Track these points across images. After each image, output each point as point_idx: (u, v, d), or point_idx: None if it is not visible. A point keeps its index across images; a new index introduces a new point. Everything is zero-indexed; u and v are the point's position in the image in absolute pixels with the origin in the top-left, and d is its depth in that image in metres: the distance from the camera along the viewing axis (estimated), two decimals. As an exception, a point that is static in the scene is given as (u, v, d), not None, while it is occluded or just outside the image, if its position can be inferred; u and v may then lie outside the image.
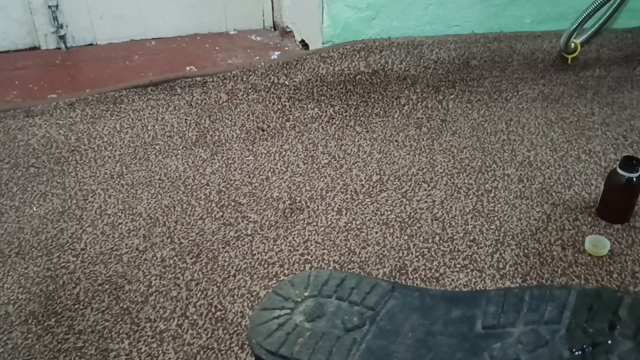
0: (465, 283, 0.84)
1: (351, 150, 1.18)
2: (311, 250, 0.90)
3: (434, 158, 1.15)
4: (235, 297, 0.81)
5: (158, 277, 0.84)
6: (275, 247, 0.90)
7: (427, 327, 0.57)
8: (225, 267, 0.86)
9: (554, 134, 1.26)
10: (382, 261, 0.87)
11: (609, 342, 0.53)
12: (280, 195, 1.03)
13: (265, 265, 0.86)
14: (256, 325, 0.62)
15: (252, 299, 0.80)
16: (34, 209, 0.99)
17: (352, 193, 1.04)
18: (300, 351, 0.58)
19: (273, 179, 1.08)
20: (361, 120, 1.28)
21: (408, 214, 0.98)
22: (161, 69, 1.41)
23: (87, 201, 1.01)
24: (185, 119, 1.23)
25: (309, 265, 0.87)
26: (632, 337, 0.54)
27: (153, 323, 0.77)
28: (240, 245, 0.91)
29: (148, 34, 1.60)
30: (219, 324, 0.76)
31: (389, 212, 0.99)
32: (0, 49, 1.49)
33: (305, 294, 0.64)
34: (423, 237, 0.93)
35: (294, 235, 0.93)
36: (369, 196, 1.03)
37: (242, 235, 0.93)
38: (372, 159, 1.15)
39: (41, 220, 0.96)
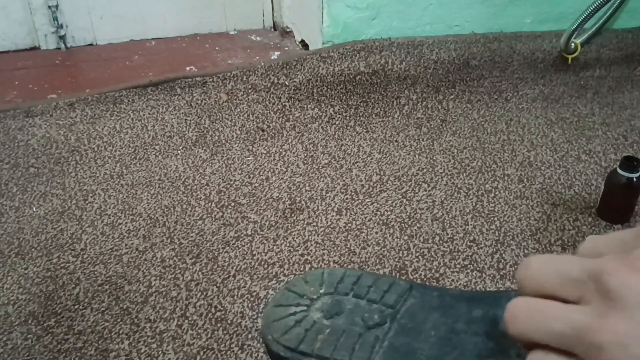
0: (465, 283, 0.84)
1: (351, 150, 1.18)
2: (311, 250, 0.90)
3: (434, 158, 1.15)
4: (235, 297, 0.81)
5: (158, 278, 0.84)
6: (275, 247, 0.90)
7: (450, 325, 0.57)
8: (225, 268, 0.86)
9: (554, 134, 1.26)
10: (382, 261, 0.87)
11: None
12: (280, 196, 1.03)
13: (265, 266, 0.86)
14: (271, 321, 0.61)
15: (252, 299, 0.80)
16: (34, 209, 0.99)
17: (352, 193, 1.04)
18: (321, 347, 0.57)
19: (273, 179, 1.07)
20: (361, 121, 1.28)
21: (408, 214, 0.98)
22: (161, 69, 1.41)
23: (87, 201, 1.01)
24: (185, 119, 1.23)
25: (309, 265, 0.87)
26: None
27: (153, 323, 0.77)
28: (240, 246, 0.91)
29: (148, 34, 1.60)
30: (218, 325, 0.76)
31: (389, 213, 0.99)
32: (0, 49, 1.49)
33: (321, 291, 0.63)
34: (423, 237, 0.93)
35: (294, 235, 0.93)
36: (369, 196, 1.03)
37: (242, 235, 0.93)
38: (372, 159, 1.15)
39: (41, 220, 0.96)
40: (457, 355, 0.53)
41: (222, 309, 0.79)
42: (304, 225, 0.95)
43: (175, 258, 0.88)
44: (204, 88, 1.29)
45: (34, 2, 1.45)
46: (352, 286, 0.63)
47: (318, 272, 0.65)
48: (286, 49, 1.56)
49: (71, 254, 0.89)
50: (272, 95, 1.30)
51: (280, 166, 1.12)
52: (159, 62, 1.47)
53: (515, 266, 0.87)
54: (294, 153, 1.16)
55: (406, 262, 0.87)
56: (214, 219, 0.97)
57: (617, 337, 0.27)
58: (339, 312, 0.61)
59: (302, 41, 1.55)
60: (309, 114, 1.29)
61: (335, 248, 0.90)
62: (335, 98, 1.33)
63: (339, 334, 0.58)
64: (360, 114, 1.30)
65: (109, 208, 0.99)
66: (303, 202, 1.01)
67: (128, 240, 0.92)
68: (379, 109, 1.33)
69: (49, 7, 1.45)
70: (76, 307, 0.79)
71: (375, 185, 1.06)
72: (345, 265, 0.87)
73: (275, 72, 1.32)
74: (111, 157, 1.13)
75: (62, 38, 1.50)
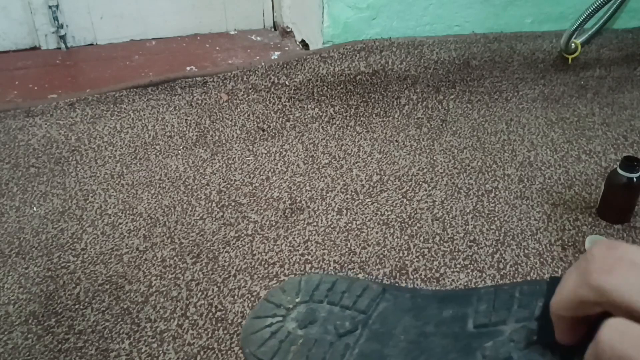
0: (465, 283, 0.84)
1: (351, 150, 1.18)
2: (311, 250, 0.90)
3: (434, 158, 1.15)
4: (236, 297, 0.81)
5: (158, 277, 0.84)
6: (275, 247, 0.90)
7: (420, 328, 0.56)
8: (225, 267, 0.86)
9: (554, 134, 1.26)
10: (383, 261, 0.87)
11: None
12: (280, 196, 1.03)
13: (266, 266, 0.86)
14: (249, 334, 0.62)
15: (252, 299, 0.80)
16: (35, 209, 0.99)
17: (353, 193, 1.04)
18: (293, 359, 0.58)
19: (273, 179, 1.08)
20: (361, 121, 1.28)
21: (408, 214, 0.98)
22: (161, 69, 1.41)
23: (87, 201, 1.01)
24: (186, 119, 1.23)
25: (309, 265, 0.87)
26: None
27: (153, 323, 0.77)
28: (240, 246, 0.91)
29: (148, 34, 1.60)
30: (219, 324, 0.76)
31: (390, 212, 0.99)
32: (0, 49, 1.49)
33: (297, 300, 0.63)
34: (423, 237, 0.93)
35: (294, 235, 0.93)
36: (370, 196, 1.03)
37: (243, 235, 0.93)
38: (372, 159, 1.15)
39: (41, 220, 0.96)
40: (425, 359, 0.53)
41: (222, 308, 0.79)
42: (305, 225, 0.95)
43: (175, 258, 0.88)
44: (205, 88, 1.29)
45: (34, 2, 1.45)
46: (327, 293, 0.63)
47: (295, 280, 0.65)
48: (286, 49, 1.56)
49: (72, 253, 0.89)
50: (272, 95, 1.30)
51: (281, 166, 1.12)
52: (159, 62, 1.47)
53: (516, 266, 0.87)
54: (294, 153, 1.16)
55: (406, 262, 0.87)
56: (214, 219, 0.97)
57: None
58: (312, 321, 0.61)
59: (303, 41, 1.55)
60: (309, 113, 1.29)
61: (335, 248, 0.90)
62: (336, 98, 1.33)
63: (311, 344, 0.58)
64: (361, 114, 1.30)
65: (110, 208, 0.99)
66: (303, 202, 1.01)
67: (128, 240, 0.92)
68: (379, 109, 1.33)
69: (49, 7, 1.45)
70: (77, 306, 0.79)
71: (375, 185, 1.06)
72: (346, 265, 0.87)
73: (276, 72, 1.32)
74: (111, 156, 1.13)
75: (62, 38, 1.50)
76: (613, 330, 0.28)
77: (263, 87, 1.31)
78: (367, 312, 0.60)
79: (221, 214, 0.98)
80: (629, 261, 0.29)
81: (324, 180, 1.07)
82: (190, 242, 0.92)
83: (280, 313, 0.62)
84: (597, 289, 0.29)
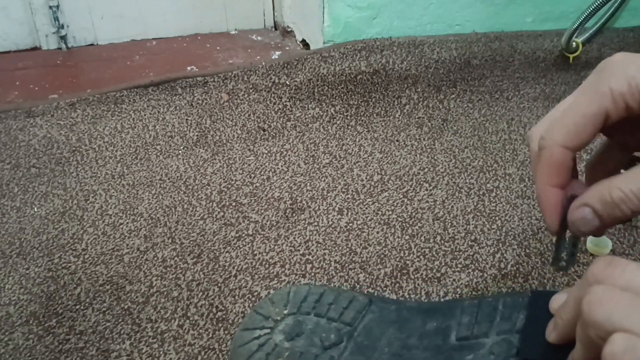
0: (466, 283, 0.83)
1: (352, 150, 1.17)
2: (312, 250, 0.90)
3: (435, 158, 1.15)
4: (237, 297, 0.81)
5: (159, 278, 0.84)
6: (276, 247, 0.90)
7: (403, 340, 0.57)
8: (226, 268, 0.86)
9: (556, 133, 1.26)
10: (384, 261, 0.87)
11: None
12: (281, 195, 1.03)
13: (267, 266, 0.86)
14: (237, 346, 0.62)
15: (253, 299, 0.80)
16: (35, 210, 0.99)
17: (353, 193, 1.04)
18: None
19: (274, 179, 1.07)
20: (362, 120, 1.28)
21: (409, 213, 0.98)
22: (162, 69, 1.41)
23: (88, 201, 1.01)
24: (186, 119, 1.23)
25: (310, 265, 0.86)
26: None
27: (154, 323, 0.77)
28: (241, 246, 0.91)
29: (149, 34, 1.60)
30: (220, 325, 0.76)
31: (390, 212, 0.99)
32: (0, 49, 1.50)
33: (285, 311, 0.63)
34: (424, 237, 0.93)
35: (295, 235, 0.93)
36: (370, 196, 1.03)
37: (243, 235, 0.93)
38: (373, 158, 1.15)
39: (42, 220, 0.96)
40: None
41: (223, 309, 0.79)
42: (305, 225, 0.95)
43: (176, 258, 0.88)
44: (205, 88, 1.29)
45: (34, 2, 1.45)
46: (315, 304, 0.63)
47: (284, 291, 0.65)
48: (287, 48, 1.56)
49: (72, 254, 0.89)
50: (273, 95, 1.30)
51: (282, 166, 1.11)
52: (160, 62, 1.47)
53: (517, 265, 0.87)
54: (295, 153, 1.16)
55: (407, 262, 0.87)
56: (215, 219, 0.97)
57: None
58: (299, 333, 0.61)
59: (303, 41, 1.55)
60: (310, 113, 1.29)
61: (336, 248, 0.90)
62: (336, 97, 1.33)
63: (297, 356, 0.58)
64: (362, 114, 1.30)
65: (110, 208, 0.99)
66: (304, 201, 1.01)
67: (129, 240, 0.92)
68: (380, 108, 1.32)
69: (50, 7, 1.45)
70: (77, 307, 0.79)
71: (376, 184, 1.06)
72: (347, 265, 0.87)
73: (276, 72, 1.32)
74: (112, 157, 1.13)
75: (63, 38, 1.51)
76: (616, 345, 0.29)
77: (264, 86, 1.31)
78: (353, 324, 0.60)
79: (222, 214, 0.98)
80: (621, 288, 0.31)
81: (324, 180, 1.07)
82: (191, 242, 0.92)
83: (268, 325, 0.62)
84: (592, 324, 0.31)
